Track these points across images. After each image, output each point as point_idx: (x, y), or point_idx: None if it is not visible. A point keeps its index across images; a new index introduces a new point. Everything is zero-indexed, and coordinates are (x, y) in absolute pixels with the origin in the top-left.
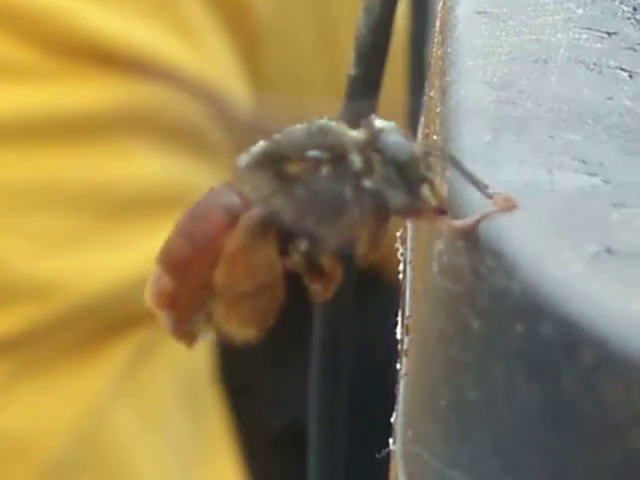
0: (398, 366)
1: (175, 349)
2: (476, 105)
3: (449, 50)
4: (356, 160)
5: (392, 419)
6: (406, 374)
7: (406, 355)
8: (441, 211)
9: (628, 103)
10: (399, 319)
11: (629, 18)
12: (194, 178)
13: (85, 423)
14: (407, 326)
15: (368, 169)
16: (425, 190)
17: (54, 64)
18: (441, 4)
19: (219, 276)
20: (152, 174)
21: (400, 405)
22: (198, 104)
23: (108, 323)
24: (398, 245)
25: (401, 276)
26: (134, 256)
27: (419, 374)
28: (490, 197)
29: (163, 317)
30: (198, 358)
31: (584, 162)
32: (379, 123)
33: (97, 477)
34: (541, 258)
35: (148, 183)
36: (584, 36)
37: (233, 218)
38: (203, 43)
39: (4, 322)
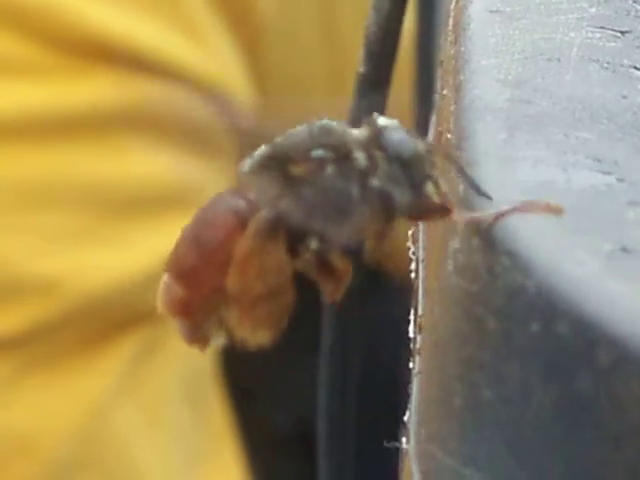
0: (411, 365)
1: (178, 347)
2: (490, 104)
3: (462, 49)
4: (360, 158)
5: (405, 417)
6: (419, 373)
7: (419, 354)
8: (445, 209)
9: None
10: (411, 317)
11: None
12: (196, 176)
13: (88, 421)
14: (420, 325)
15: (373, 167)
16: (429, 187)
17: (56, 61)
18: (454, 3)
19: (231, 281)
20: (155, 172)
21: (413, 404)
22: (200, 102)
23: (111, 321)
24: (409, 244)
25: (413, 275)
26: (137, 254)
27: (433, 373)
28: (488, 197)
29: (175, 324)
30: (201, 356)
31: (599, 161)
32: (382, 121)
33: (100, 475)
34: (556, 257)
35: (151, 181)
36: (597, 35)
37: (241, 222)
38: (206, 42)
39: (8, 320)
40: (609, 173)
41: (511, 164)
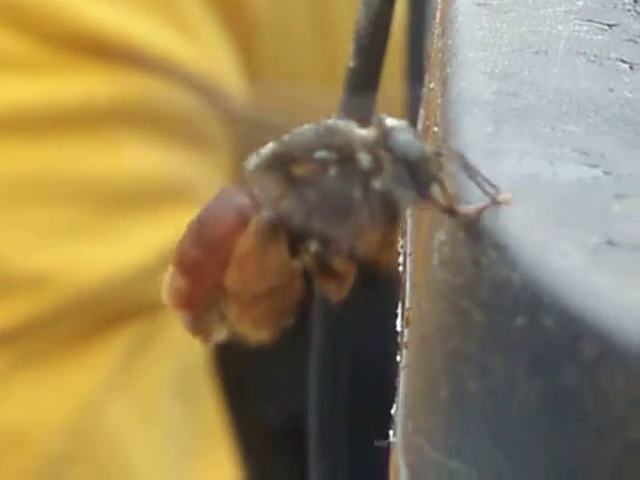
0: (398, 358)
1: (170, 342)
2: (477, 97)
3: (449, 42)
4: (364, 159)
5: (392, 411)
6: (406, 366)
7: (406, 347)
8: (451, 210)
9: (629, 95)
10: (399, 311)
11: (629, 10)
12: (190, 171)
13: (80, 416)
14: (407, 318)
15: (377, 168)
16: (435, 190)
17: (50, 56)
18: None
19: (230, 278)
20: (148, 167)
21: (400, 397)
22: (195, 97)
23: (104, 316)
24: (398, 237)
25: (401, 268)
26: (131, 249)
27: (419, 366)
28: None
29: (178, 315)
30: (194, 350)
31: (585, 154)
32: (390, 122)
33: (93, 470)
34: (542, 250)
35: (144, 176)
36: (585, 28)
37: (244, 219)
38: (199, 37)
39: (0, 315)
40: (595, 166)
41: (497, 157)
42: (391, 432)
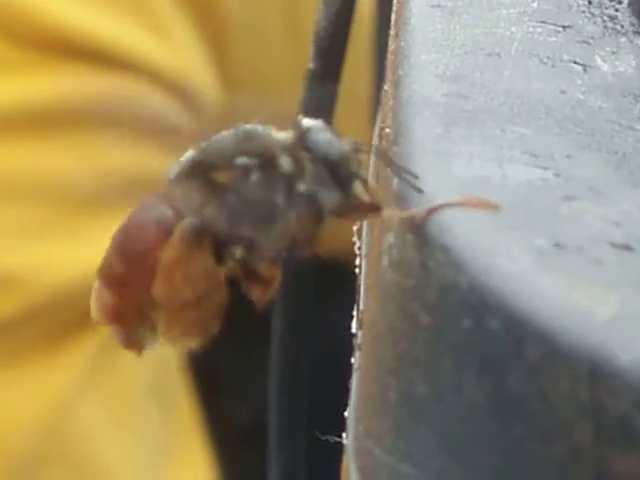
0: (353, 360)
1: None
2: (428, 98)
3: (402, 44)
4: (285, 162)
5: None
6: (359, 368)
7: (360, 349)
8: (375, 207)
9: (581, 97)
10: (355, 313)
11: (584, 11)
12: (160, 170)
13: (52, 416)
14: (361, 320)
15: (299, 171)
16: (357, 187)
17: (18, 55)
18: None
19: (157, 288)
20: (118, 166)
21: (352, 399)
22: (165, 96)
23: (74, 316)
24: (355, 239)
25: (357, 270)
26: (101, 249)
27: (370, 368)
28: (419, 191)
29: (109, 330)
30: (166, 351)
31: (535, 156)
32: (307, 122)
33: (65, 471)
34: (490, 252)
35: (115, 176)
36: (539, 29)
37: (166, 230)
38: (171, 37)
39: None
40: (545, 168)
41: (446, 159)
42: (344, 434)
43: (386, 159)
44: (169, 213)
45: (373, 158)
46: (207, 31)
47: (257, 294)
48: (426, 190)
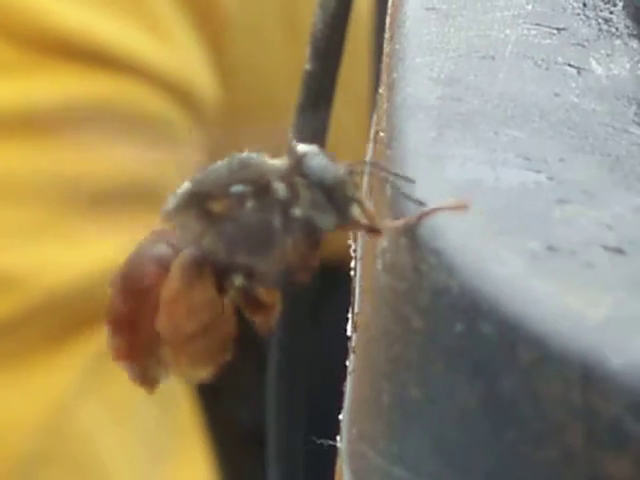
0: (347, 363)
1: None
2: (422, 101)
3: (397, 46)
4: (280, 189)
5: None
6: (353, 371)
7: (354, 352)
8: (373, 229)
9: (575, 99)
10: (349, 316)
11: (579, 14)
12: (160, 172)
13: (52, 417)
14: (355, 323)
15: (294, 196)
16: (355, 210)
17: (17, 57)
18: (391, 0)
19: (160, 323)
20: (116, 168)
21: (346, 403)
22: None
23: (73, 317)
24: (351, 242)
25: (353, 273)
26: (99, 250)
27: (364, 372)
28: (420, 203)
29: (124, 368)
30: None
31: (528, 159)
32: (302, 148)
33: (65, 471)
34: (482, 256)
35: (112, 177)
36: (533, 32)
37: (165, 267)
38: (170, 37)
39: None
40: (538, 171)
41: (440, 162)
42: (338, 438)
43: (381, 171)
44: (167, 249)
45: (367, 173)
46: (206, 32)
47: (259, 320)
48: (419, 193)
